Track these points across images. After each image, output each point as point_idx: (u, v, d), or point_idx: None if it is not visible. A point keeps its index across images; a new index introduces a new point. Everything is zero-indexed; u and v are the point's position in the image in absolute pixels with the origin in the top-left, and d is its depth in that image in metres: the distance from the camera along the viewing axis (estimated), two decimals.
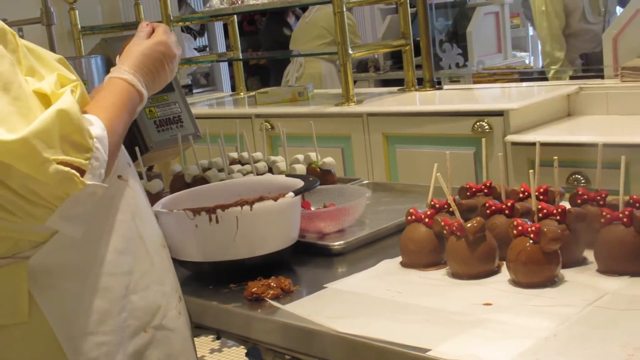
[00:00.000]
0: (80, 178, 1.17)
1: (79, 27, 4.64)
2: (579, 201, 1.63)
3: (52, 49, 4.01)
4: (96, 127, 1.24)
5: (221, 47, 7.67)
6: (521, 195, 1.67)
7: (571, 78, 3.84)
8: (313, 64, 5.96)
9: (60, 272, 1.29)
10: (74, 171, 1.17)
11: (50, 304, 1.28)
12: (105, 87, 1.39)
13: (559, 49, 4.61)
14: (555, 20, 4.56)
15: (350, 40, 3.64)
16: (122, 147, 1.41)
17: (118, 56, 1.48)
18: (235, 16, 4.60)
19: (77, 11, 4.61)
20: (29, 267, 1.26)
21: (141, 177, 1.85)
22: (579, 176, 2.83)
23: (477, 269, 1.53)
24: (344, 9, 3.57)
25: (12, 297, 1.26)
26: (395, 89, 4.07)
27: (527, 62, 5.52)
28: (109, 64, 2.48)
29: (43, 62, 1.28)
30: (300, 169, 2.21)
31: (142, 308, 1.38)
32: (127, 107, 1.37)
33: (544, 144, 1.73)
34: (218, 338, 1.74)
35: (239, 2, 4.07)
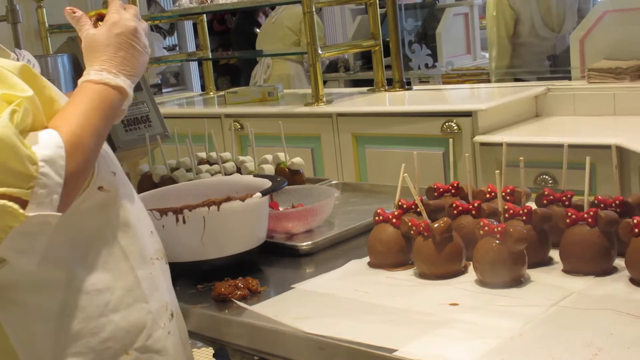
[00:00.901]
0: (20, 210, 1.08)
1: (47, 25, 4.59)
2: (544, 202, 1.64)
3: (17, 47, 3.97)
4: (48, 146, 1.12)
5: (191, 46, 7.64)
6: (488, 195, 1.68)
7: (539, 79, 3.86)
8: (281, 65, 5.95)
9: (26, 287, 1.22)
10: (11, 204, 1.07)
11: (14, 322, 1.22)
12: (74, 94, 1.28)
13: (504, 56, 4.63)
14: (502, 27, 4.57)
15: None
16: (107, 155, 1.32)
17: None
18: (204, 15, 4.59)
19: (44, 9, 4.56)
20: None
21: None
22: (547, 177, 2.85)
23: (444, 269, 1.53)
24: (314, 9, 3.57)
25: None
26: (365, 89, 4.07)
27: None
28: (75, 63, 2.46)
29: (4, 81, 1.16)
30: (269, 169, 2.21)
31: (124, 328, 1.29)
32: (100, 111, 1.24)
33: (511, 145, 1.75)
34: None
35: (208, 2, 4.05)
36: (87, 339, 1.26)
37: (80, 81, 1.29)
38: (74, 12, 1.37)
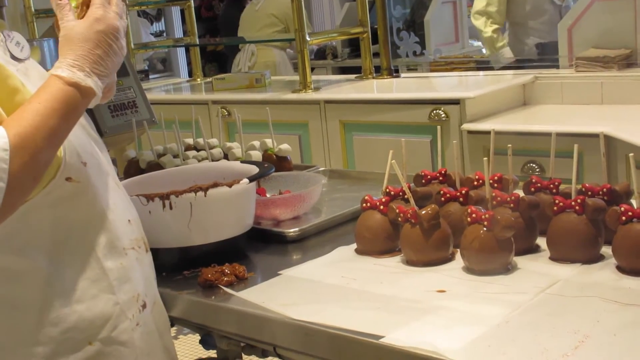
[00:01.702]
0: None
1: (33, 9, 4.56)
2: (532, 189, 1.64)
3: None
4: None
5: (178, 32, 7.61)
6: (476, 183, 1.68)
7: (527, 68, 3.87)
8: (265, 52, 5.91)
9: None
10: None
11: None
12: (41, 88, 1.22)
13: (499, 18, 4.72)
14: None
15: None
16: (79, 145, 1.29)
17: (55, 24, 1.33)
18: (192, 1, 4.57)
19: None
20: None
21: None
22: (534, 165, 2.86)
23: (431, 256, 1.53)
24: None
25: None
26: (352, 76, 4.07)
27: (484, 51, 5.54)
28: None
29: None
30: (256, 155, 2.20)
31: (87, 319, 1.28)
32: (62, 114, 1.19)
33: (499, 133, 1.74)
34: (172, 325, 1.72)
35: None
36: (47, 328, 1.25)
37: (50, 72, 1.24)
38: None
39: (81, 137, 1.33)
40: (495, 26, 4.77)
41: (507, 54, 4.77)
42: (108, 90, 1.35)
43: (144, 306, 1.39)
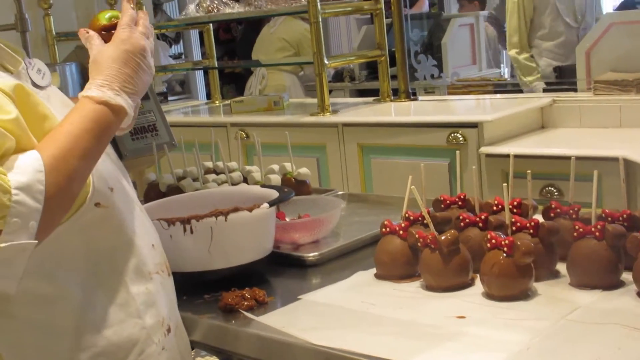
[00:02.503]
0: None
1: (54, 33, 4.60)
2: (552, 215, 1.64)
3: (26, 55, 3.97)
4: (25, 172, 1.11)
5: (197, 54, 7.65)
6: (495, 208, 1.68)
7: (545, 91, 3.87)
8: (275, 76, 5.93)
9: (20, 299, 1.22)
10: None
11: (6, 333, 1.22)
12: (72, 110, 1.25)
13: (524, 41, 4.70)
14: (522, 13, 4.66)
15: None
16: (105, 171, 1.31)
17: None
18: (210, 24, 4.59)
19: (51, 17, 4.58)
20: None
21: None
22: (552, 188, 2.85)
23: (451, 281, 1.53)
24: (320, 19, 3.58)
25: None
26: (370, 99, 4.08)
27: (501, 74, 5.56)
28: (83, 72, 2.47)
29: None
30: (275, 179, 2.21)
31: (116, 343, 1.29)
32: (93, 134, 1.22)
33: (517, 156, 1.75)
34: (192, 349, 1.73)
35: (215, 11, 4.06)
36: (78, 353, 1.26)
37: (81, 94, 1.27)
38: (87, 32, 1.38)
39: (106, 162, 1.35)
40: (525, 54, 4.75)
41: (539, 87, 4.73)
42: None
43: (168, 330, 1.40)
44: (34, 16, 4.55)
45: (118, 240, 1.33)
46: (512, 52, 4.78)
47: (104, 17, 1.41)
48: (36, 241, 1.12)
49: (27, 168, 1.12)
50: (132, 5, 1.39)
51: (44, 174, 1.13)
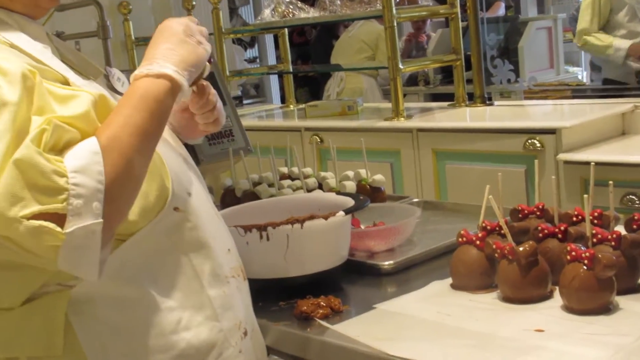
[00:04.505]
0: (57, 229, 1.06)
1: (133, 37, 4.70)
2: (634, 227, 1.60)
3: (107, 62, 4.06)
4: (80, 156, 1.10)
5: (271, 58, 7.71)
6: (575, 219, 1.65)
7: (625, 96, 3.77)
8: (354, 79, 5.96)
9: (103, 302, 1.24)
10: (47, 223, 1.05)
11: (89, 334, 1.24)
12: (123, 96, 1.25)
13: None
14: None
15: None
16: (183, 175, 1.34)
17: None
18: (285, 29, 4.62)
19: (130, 22, 4.68)
20: (72, 295, 1.22)
21: None
22: (634, 197, 2.78)
23: (529, 293, 1.51)
24: (395, 24, 3.57)
25: (48, 328, 1.22)
26: (445, 104, 4.04)
27: (580, 77, 5.46)
28: None
29: (61, 101, 1.17)
30: (350, 186, 2.21)
31: (194, 346, 1.30)
32: (141, 107, 1.20)
33: (597, 164, 1.71)
34: (267, 354, 1.74)
35: (290, 16, 4.09)
36: (157, 355, 1.27)
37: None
38: None
39: (183, 167, 1.38)
40: (593, 33, 4.61)
41: (623, 45, 4.57)
42: (215, 120, 1.50)
43: (245, 333, 1.41)
44: (114, 21, 4.66)
45: (195, 245, 1.34)
46: (581, 42, 4.65)
47: None
48: (101, 220, 1.10)
49: (83, 152, 1.11)
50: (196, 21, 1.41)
51: (101, 155, 1.12)
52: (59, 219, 1.06)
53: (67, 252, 1.07)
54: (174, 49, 1.29)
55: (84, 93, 1.20)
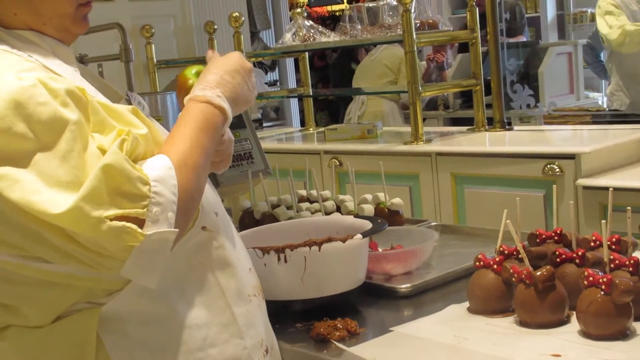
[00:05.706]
0: (138, 230, 1.13)
1: (155, 60, 4.75)
2: None
3: (129, 84, 4.11)
4: (157, 168, 1.18)
5: (291, 81, 7.76)
6: (592, 244, 1.65)
7: None
8: (375, 102, 6.00)
9: (133, 319, 1.26)
10: (130, 224, 1.12)
11: (120, 351, 1.25)
12: (181, 115, 1.32)
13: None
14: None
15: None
16: (210, 196, 1.37)
17: (177, 93, 1.46)
18: (306, 52, 4.65)
19: (152, 45, 4.73)
20: (102, 312, 1.24)
21: None
22: None
23: (546, 318, 1.51)
24: (415, 49, 3.58)
25: (80, 345, 1.24)
26: (464, 128, 4.05)
27: (600, 103, 5.44)
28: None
29: (114, 115, 1.23)
30: (368, 209, 2.22)
31: None
32: (206, 131, 1.30)
33: (616, 189, 1.70)
34: None
35: (311, 40, 4.11)
36: None
37: (185, 99, 1.35)
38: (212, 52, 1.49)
39: (209, 188, 1.41)
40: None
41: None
42: (225, 159, 1.47)
43: (267, 351, 1.43)
44: (136, 44, 4.71)
45: (221, 263, 1.37)
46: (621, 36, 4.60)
47: (191, 73, 1.46)
48: (177, 230, 1.17)
49: (159, 165, 1.20)
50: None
51: (174, 170, 1.20)
52: (137, 223, 1.13)
53: (139, 255, 1.13)
54: (235, 87, 1.39)
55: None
